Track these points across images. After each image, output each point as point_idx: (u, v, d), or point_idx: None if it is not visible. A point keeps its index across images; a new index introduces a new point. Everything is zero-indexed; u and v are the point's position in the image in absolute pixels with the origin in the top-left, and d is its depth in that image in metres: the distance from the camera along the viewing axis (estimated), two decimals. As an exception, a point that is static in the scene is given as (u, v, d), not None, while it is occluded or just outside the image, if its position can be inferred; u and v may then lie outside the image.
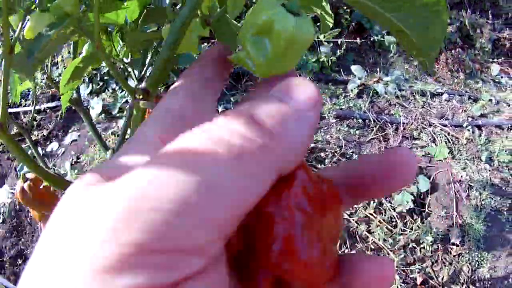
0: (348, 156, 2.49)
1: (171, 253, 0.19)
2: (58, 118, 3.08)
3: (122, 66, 0.73)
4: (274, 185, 0.24)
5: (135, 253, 0.18)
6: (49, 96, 3.17)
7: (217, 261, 0.21)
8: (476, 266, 2.22)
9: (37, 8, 0.65)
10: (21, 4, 0.63)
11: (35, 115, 3.06)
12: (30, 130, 0.87)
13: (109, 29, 0.78)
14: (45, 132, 3.01)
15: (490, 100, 3.28)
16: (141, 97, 0.44)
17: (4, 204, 2.63)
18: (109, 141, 2.75)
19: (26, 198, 1.02)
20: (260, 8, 0.33)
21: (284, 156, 0.23)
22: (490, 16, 4.21)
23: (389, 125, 2.77)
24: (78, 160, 2.73)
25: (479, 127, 2.96)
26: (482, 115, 3.09)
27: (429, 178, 2.46)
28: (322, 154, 2.44)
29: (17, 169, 2.80)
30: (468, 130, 2.85)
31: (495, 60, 3.94)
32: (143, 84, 0.44)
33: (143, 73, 0.92)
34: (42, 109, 3.13)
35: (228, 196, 0.20)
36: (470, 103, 3.20)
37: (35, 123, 3.05)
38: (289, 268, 0.24)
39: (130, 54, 0.80)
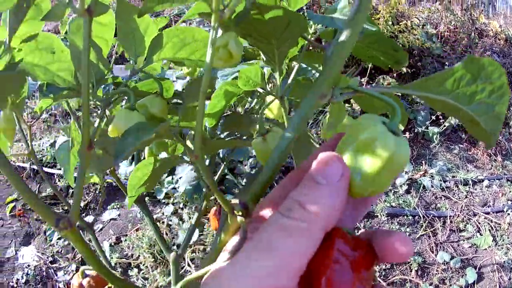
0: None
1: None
2: (97, 191, 3.06)
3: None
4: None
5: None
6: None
7: None
8: None
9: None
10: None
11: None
12: (93, 230, 0.85)
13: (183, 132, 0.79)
14: (81, 203, 2.97)
15: (527, 177, 3.36)
16: (240, 213, 0.41)
17: (29, 265, 2.57)
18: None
19: (84, 296, 0.97)
20: (361, 125, 0.35)
21: (325, 221, 0.33)
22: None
23: (437, 219, 2.84)
24: (118, 242, 2.68)
25: (518, 208, 3.03)
26: (520, 195, 3.16)
27: (475, 268, 2.51)
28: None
29: (47, 233, 2.76)
30: (509, 214, 2.91)
31: (528, 133, 3.98)
32: (242, 199, 0.42)
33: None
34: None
35: (297, 254, 0.32)
36: (508, 185, 3.26)
37: (70, 191, 3.05)
38: None
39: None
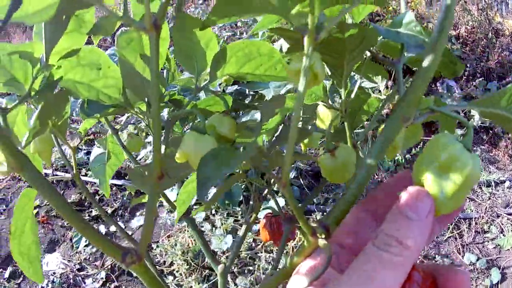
0: (430, 257, 2.58)
1: None
2: (125, 198, 3.07)
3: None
4: None
5: None
6: (115, 172, 3.18)
7: None
8: None
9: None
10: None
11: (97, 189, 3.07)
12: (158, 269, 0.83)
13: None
14: (109, 210, 2.98)
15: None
16: (323, 236, 0.41)
17: (54, 273, 2.58)
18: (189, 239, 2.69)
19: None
20: (439, 144, 0.37)
21: (415, 254, 0.35)
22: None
23: (463, 221, 2.89)
24: (150, 249, 2.67)
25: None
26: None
27: (499, 268, 2.56)
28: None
29: (73, 240, 2.77)
30: (529, 215, 2.94)
31: (548, 133, 3.96)
32: (324, 221, 0.42)
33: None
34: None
35: (393, 286, 0.34)
36: (528, 186, 3.30)
37: (97, 197, 3.05)
38: None
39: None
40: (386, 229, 0.36)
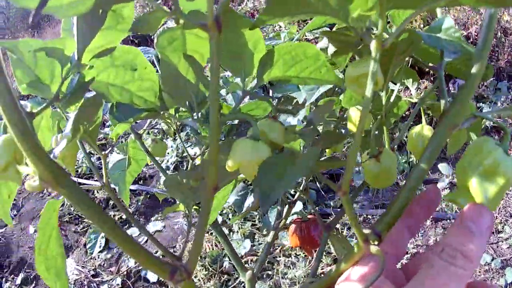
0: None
1: None
2: (139, 203, 3.07)
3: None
4: None
5: None
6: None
7: None
8: None
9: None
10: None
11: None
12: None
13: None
14: (124, 215, 2.96)
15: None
16: (376, 242, 0.42)
17: (68, 279, 2.56)
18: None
19: None
20: (482, 149, 0.39)
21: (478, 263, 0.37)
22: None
23: None
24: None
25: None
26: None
27: None
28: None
29: (87, 246, 2.77)
30: (541, 214, 2.95)
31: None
32: (376, 228, 0.43)
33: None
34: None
35: None
36: (540, 185, 3.30)
37: (111, 202, 3.05)
38: None
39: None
40: (452, 243, 0.38)
